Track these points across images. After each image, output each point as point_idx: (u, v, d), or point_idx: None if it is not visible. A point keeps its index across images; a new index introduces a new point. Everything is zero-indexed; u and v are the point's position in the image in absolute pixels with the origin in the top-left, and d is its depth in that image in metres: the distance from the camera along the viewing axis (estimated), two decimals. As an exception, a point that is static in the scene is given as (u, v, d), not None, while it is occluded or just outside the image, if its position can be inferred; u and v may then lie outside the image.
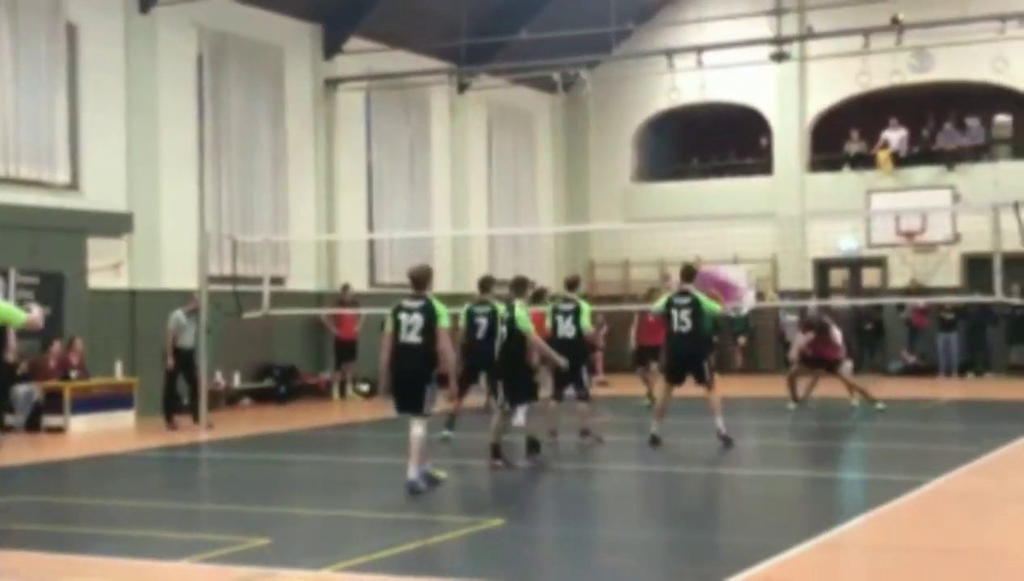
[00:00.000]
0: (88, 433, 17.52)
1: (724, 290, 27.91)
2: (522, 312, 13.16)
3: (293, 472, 13.91)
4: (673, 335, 14.74)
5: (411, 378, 11.36)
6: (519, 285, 14.07)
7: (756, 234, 25.20)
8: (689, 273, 15.15)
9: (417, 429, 11.34)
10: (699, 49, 24.20)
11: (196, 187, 21.78)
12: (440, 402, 11.93)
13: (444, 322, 11.40)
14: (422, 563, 8.76)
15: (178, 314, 18.30)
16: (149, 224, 20.61)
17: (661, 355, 17.30)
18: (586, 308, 15.03)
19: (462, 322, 14.23)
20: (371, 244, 25.12)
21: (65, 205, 19.34)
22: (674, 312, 14.66)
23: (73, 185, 19.65)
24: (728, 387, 20.72)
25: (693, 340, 14.63)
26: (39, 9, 18.93)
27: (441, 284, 26.06)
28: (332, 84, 24.57)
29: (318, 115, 24.41)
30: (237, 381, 21.97)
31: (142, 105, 20.66)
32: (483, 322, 13.85)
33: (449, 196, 27.69)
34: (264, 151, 22.85)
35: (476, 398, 16.15)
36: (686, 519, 10.74)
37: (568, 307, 14.92)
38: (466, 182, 28.15)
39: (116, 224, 20.11)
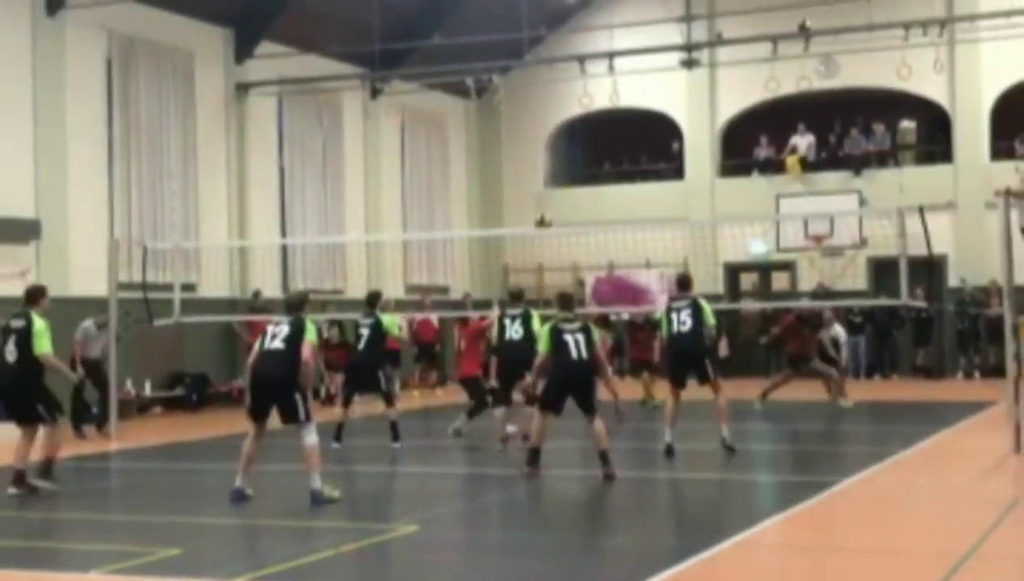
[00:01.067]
0: (-6, 443, 17.14)
1: (637, 295, 28.24)
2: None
3: (204, 481, 13.77)
4: (673, 335, 14.54)
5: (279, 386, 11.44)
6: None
7: (668, 238, 25.40)
8: (685, 281, 15.46)
9: (311, 437, 11.35)
10: (611, 55, 24.40)
11: (106, 192, 21.48)
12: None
13: (311, 335, 11.56)
14: (335, 571, 8.73)
15: (87, 325, 18.00)
16: (57, 230, 20.28)
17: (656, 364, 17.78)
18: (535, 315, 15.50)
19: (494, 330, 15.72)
20: (284, 250, 24.94)
21: (-31, 211, 18.96)
22: (673, 315, 14.55)
23: (-23, 191, 19.27)
24: (643, 389, 20.94)
25: (693, 338, 14.44)
26: (-59, 11, 18.57)
27: (356, 289, 26.05)
28: (243, 88, 24.36)
29: (230, 120, 24.20)
30: (148, 389, 21.69)
31: (49, 109, 20.32)
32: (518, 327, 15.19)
33: (363, 201, 27.60)
34: (175, 156, 22.59)
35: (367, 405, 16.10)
36: (607, 523, 10.82)
37: (515, 312, 15.48)
38: (380, 187, 28.08)
39: (23, 230, 19.75)
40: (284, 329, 11.53)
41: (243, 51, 24.29)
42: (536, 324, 15.00)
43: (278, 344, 11.44)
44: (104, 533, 10.60)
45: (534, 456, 12.82)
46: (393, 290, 26.37)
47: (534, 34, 25.53)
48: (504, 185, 31.61)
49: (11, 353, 12.36)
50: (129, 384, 20.87)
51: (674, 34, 26.26)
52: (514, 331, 15.25)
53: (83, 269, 20.44)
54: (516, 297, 16.10)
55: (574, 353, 12.66)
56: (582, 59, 24.70)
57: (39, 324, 12.37)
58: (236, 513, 11.19)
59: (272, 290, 24.10)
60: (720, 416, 14.40)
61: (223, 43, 24.12)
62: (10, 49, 19.83)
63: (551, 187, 31.60)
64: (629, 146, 31.43)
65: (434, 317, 25.46)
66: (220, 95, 24.03)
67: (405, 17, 26.27)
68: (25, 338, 12.31)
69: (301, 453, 11.37)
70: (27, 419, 12.55)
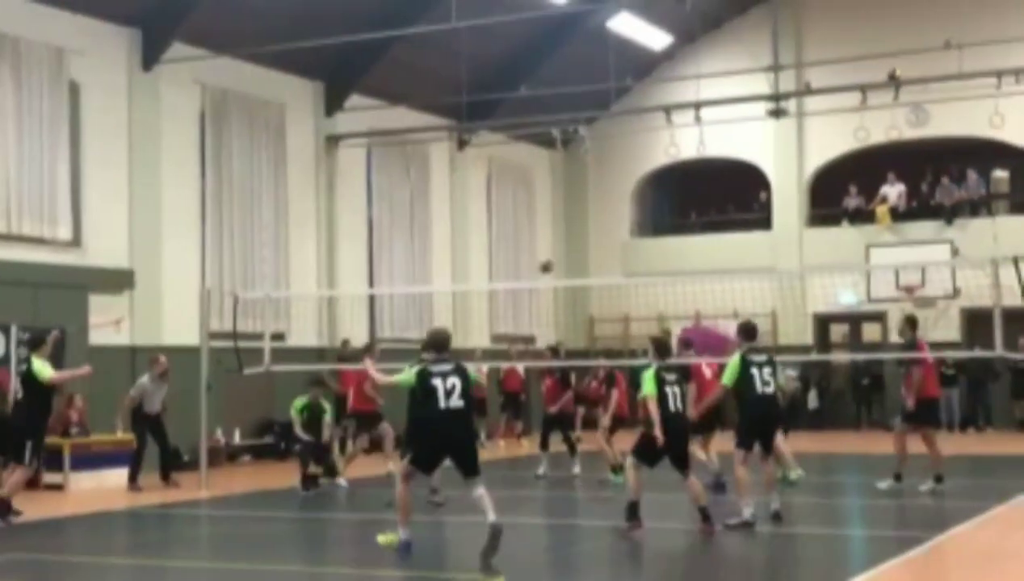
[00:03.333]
0: (88, 490, 17.45)
1: (725, 345, 27.95)
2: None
3: (290, 529, 13.85)
4: (758, 396, 12.87)
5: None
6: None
7: (756, 288, 25.22)
8: (753, 330, 13.43)
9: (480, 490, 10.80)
10: (697, 105, 24.37)
11: (198, 243, 21.87)
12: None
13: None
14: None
15: (143, 381, 18.19)
16: (150, 280, 20.68)
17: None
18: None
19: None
20: (372, 299, 25.17)
21: (67, 262, 19.42)
22: (755, 371, 12.89)
23: (75, 242, 19.73)
24: (728, 443, 20.67)
25: (775, 401, 13.10)
26: (42, 68, 19.10)
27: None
28: (333, 141, 24.74)
29: (319, 171, 24.56)
30: (237, 437, 21.92)
31: (145, 162, 20.79)
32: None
33: (449, 251, 27.80)
34: (266, 207, 22.96)
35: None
36: (691, 577, 10.67)
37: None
38: (466, 237, 28.27)
39: (118, 280, 20.18)
40: (457, 382, 10.84)
41: (333, 104, 24.68)
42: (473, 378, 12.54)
43: (456, 402, 10.82)
44: (186, 580, 10.69)
45: (633, 510, 12.28)
46: (479, 339, 26.48)
47: (620, 85, 25.61)
48: (590, 235, 31.64)
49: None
50: (219, 432, 21.11)
51: (761, 84, 26.15)
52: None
53: (175, 318, 20.80)
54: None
55: (672, 405, 12.10)
56: (668, 109, 24.69)
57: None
58: (315, 561, 11.23)
59: (360, 339, 24.28)
60: (770, 485, 13.20)
61: (313, 96, 24.53)
62: (107, 104, 20.34)
63: (637, 237, 31.57)
64: (716, 196, 31.31)
65: (520, 367, 25.42)
66: (310, 147, 24.41)
67: (492, 69, 26.52)
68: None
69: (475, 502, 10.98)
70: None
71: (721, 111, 25.42)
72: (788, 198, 29.56)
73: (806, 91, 26.69)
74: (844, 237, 28.54)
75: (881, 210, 28.51)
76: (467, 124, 26.33)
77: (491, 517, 10.39)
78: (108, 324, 19.81)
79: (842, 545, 12.56)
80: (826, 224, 29.51)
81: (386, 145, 25.90)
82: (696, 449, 15.58)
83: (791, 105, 26.74)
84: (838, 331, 29.50)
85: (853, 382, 28.02)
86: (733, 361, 13.03)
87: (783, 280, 26.76)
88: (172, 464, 18.18)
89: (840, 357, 27.54)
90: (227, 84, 22.30)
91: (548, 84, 25.26)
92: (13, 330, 18.19)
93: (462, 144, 27.50)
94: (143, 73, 20.80)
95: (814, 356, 26.54)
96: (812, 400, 28.00)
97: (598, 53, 25.32)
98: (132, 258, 20.51)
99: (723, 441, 14.43)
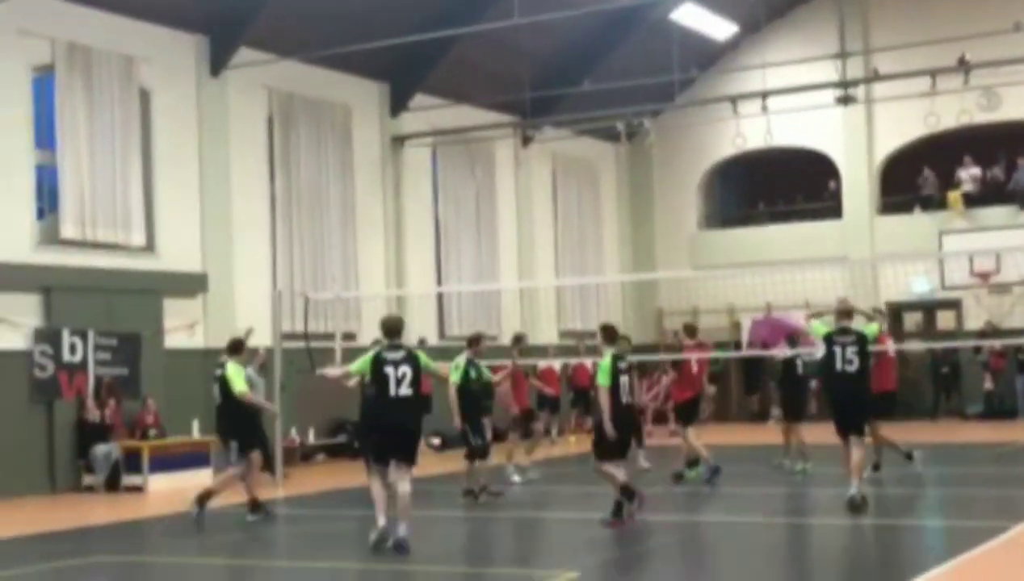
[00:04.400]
0: (166, 491, 17.72)
1: (796, 336, 27.70)
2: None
3: (365, 528, 13.94)
4: (837, 374, 12.95)
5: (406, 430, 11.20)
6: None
7: (827, 278, 24.92)
8: (846, 310, 13.44)
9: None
10: (764, 94, 24.16)
11: (268, 246, 22.10)
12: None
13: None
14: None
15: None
16: (223, 283, 20.93)
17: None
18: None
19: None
20: (440, 297, 25.29)
21: (141, 267, 19.71)
22: (837, 350, 12.94)
23: (149, 247, 20.02)
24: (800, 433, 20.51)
25: (861, 380, 12.98)
26: (112, 76, 19.39)
27: (510, 335, 26.19)
28: (399, 141, 24.87)
29: (386, 172, 24.71)
30: (312, 437, 22.13)
31: (214, 167, 21.04)
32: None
33: (516, 248, 27.84)
34: (334, 209, 23.15)
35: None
36: (765, 570, 10.62)
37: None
38: (532, 233, 28.30)
39: (191, 284, 20.45)
40: (407, 371, 11.22)
41: (398, 104, 24.81)
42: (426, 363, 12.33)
43: (406, 390, 11.29)
44: (267, 579, 10.82)
45: (621, 504, 12.27)
46: (548, 335, 26.50)
47: (685, 76, 25.48)
48: (656, 228, 31.53)
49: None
50: (293, 432, 21.33)
51: (828, 71, 25.87)
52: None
53: (248, 321, 20.93)
54: (392, 332, 11.71)
55: (623, 396, 12.24)
56: (734, 99, 24.51)
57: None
58: (398, 558, 11.31)
59: (430, 337, 24.42)
60: (857, 470, 12.98)
61: (379, 97, 24.67)
62: (177, 110, 20.61)
63: (705, 229, 31.41)
64: (784, 185, 31.05)
65: (589, 362, 25.29)
66: (376, 148, 24.57)
67: (555, 64, 26.50)
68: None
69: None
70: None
71: (788, 100, 25.18)
72: (858, 186, 29.23)
73: (874, 77, 26.36)
74: (916, 224, 28.17)
75: (953, 196, 28.09)
76: (531, 120, 26.34)
77: (402, 531, 10.86)
78: (182, 328, 20.11)
79: (922, 535, 12.42)
80: (897, 211, 29.14)
81: (451, 144, 26.00)
82: (691, 438, 15.80)
83: (859, 92, 26.41)
84: (912, 320, 29.13)
85: (929, 371, 27.63)
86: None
87: (854, 269, 26.42)
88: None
89: (915, 346, 27.18)
90: (293, 87, 22.50)
91: (612, 78, 25.19)
92: (91, 335, 18.54)
93: (526, 141, 27.52)
94: (211, 79, 21.05)
95: (888, 346, 26.17)
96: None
97: (661, 45, 25.21)
98: (205, 262, 20.77)
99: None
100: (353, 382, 12.36)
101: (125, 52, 19.60)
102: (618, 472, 12.39)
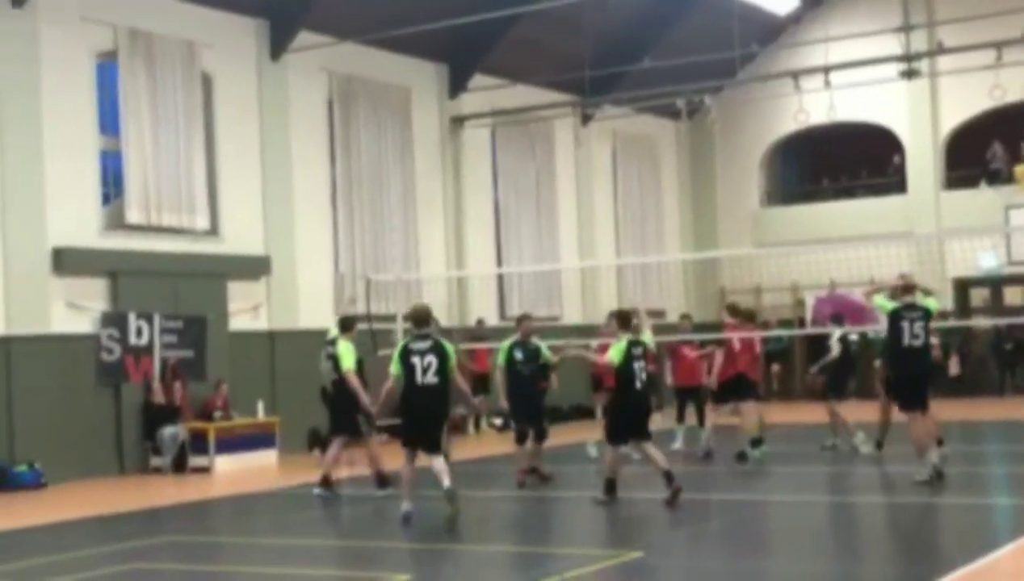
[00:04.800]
0: (232, 472, 17.92)
1: (860, 313, 27.40)
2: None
3: (430, 508, 14.01)
4: (904, 349, 13.02)
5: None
6: (628, 320, 13.24)
7: (892, 254, 24.63)
8: (910, 286, 13.47)
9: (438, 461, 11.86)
10: (826, 69, 23.86)
11: (329, 228, 22.23)
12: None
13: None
14: (562, 597, 8.76)
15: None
16: (285, 266, 21.09)
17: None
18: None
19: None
20: (500, 278, 25.31)
21: (206, 250, 19.91)
22: (905, 325, 12.98)
23: (212, 231, 20.21)
24: (865, 412, 20.31)
25: (927, 355, 13.04)
26: (175, 61, 19.56)
27: (571, 316, 26.18)
28: (458, 122, 24.88)
29: (445, 153, 24.74)
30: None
31: (275, 150, 21.18)
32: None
33: (576, 227, 27.79)
34: (394, 190, 23.23)
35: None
36: (833, 549, 10.54)
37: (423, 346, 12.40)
38: (592, 213, 28.23)
39: (254, 267, 20.62)
40: (433, 360, 11.76)
41: (457, 85, 24.82)
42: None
43: (431, 379, 11.83)
44: (336, 559, 10.92)
45: (611, 486, 12.63)
46: (603, 315, 26.41)
47: (746, 52, 25.20)
48: (718, 206, 31.34)
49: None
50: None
51: (892, 45, 25.49)
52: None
53: (310, 302, 21.19)
54: (419, 321, 12.19)
55: (637, 382, 12.62)
56: (796, 75, 24.25)
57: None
58: (464, 539, 11.37)
59: (491, 318, 24.46)
60: (924, 446, 13.00)
61: (437, 78, 24.69)
62: (238, 94, 20.75)
63: (767, 206, 31.17)
64: (848, 161, 30.73)
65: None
66: (435, 129, 24.60)
67: (614, 42, 26.35)
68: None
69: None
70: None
71: (851, 74, 24.85)
72: (923, 161, 28.84)
73: (939, 50, 25.92)
74: (982, 199, 27.75)
75: (1020, 170, 27.62)
76: (591, 99, 26.22)
77: (445, 483, 11.51)
78: (246, 310, 20.30)
79: (989, 515, 12.26)
80: (963, 186, 28.72)
81: (510, 124, 25.97)
82: (728, 416, 15.89)
83: (923, 65, 26.02)
84: (979, 295, 28.73)
85: (995, 347, 27.25)
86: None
87: (920, 245, 26.06)
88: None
89: (981, 322, 26.81)
90: (353, 70, 22.58)
91: (672, 54, 24.99)
92: (156, 319, 18.76)
93: (586, 119, 27.41)
94: (271, 63, 21.17)
95: (953, 322, 25.85)
96: (954, 367, 27.31)
97: (722, 20, 24.94)
98: (267, 245, 20.94)
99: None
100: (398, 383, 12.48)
101: (186, 37, 19.76)
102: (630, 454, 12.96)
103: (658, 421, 23.87)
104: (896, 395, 13.59)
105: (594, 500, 12.76)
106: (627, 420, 12.61)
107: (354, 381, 14.14)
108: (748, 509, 12.94)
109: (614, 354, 12.56)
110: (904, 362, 13.13)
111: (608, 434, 12.89)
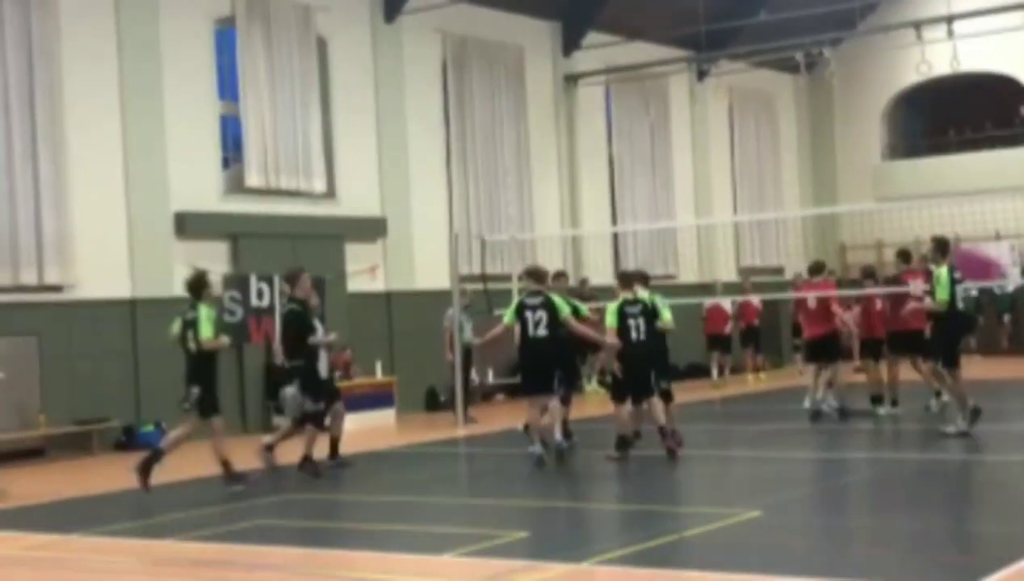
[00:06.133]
0: (351, 431, 18.11)
1: (987, 268, 26.75)
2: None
3: (546, 466, 14.06)
4: (955, 310, 13.64)
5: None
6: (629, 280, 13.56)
7: (1019, 208, 23.95)
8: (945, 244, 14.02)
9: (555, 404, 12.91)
10: (949, 19, 23.17)
11: (444, 189, 22.33)
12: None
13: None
14: (680, 556, 8.72)
15: (451, 312, 18.71)
16: (401, 227, 21.26)
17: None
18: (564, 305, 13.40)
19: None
20: (615, 237, 25.18)
21: (323, 213, 20.15)
22: (957, 289, 13.63)
23: (330, 193, 20.44)
24: (993, 369, 19.83)
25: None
26: (291, 26, 19.77)
27: (687, 275, 25.94)
28: (572, 80, 24.74)
29: (559, 112, 24.64)
30: (491, 377, 22.39)
31: (391, 112, 21.31)
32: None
33: (692, 185, 27.50)
34: (508, 150, 23.22)
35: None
36: (945, 508, 10.32)
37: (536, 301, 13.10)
38: (708, 170, 27.91)
39: (371, 229, 20.82)
40: (544, 315, 12.64)
41: (570, 43, 24.67)
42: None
43: (542, 332, 12.78)
44: (454, 517, 11.02)
45: (623, 443, 12.97)
46: (726, 273, 26.16)
47: (866, 2, 24.62)
48: (838, 160, 30.75)
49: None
50: (473, 372, 21.58)
51: (1018, -9, 24.65)
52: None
53: (426, 263, 21.33)
54: (536, 278, 13.22)
55: (634, 336, 13.01)
56: (918, 25, 23.57)
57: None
58: (580, 497, 11.40)
59: (605, 277, 24.33)
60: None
61: (551, 36, 24.57)
62: (353, 57, 20.91)
63: (888, 160, 30.49)
64: (973, 113, 29.84)
65: (756, 299, 24.36)
66: (549, 88, 24.50)
67: (730, -4, 25.92)
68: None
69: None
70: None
71: (975, 23, 24.12)
72: (1052, 110, 27.90)
73: (1068, -5, 24.97)
74: (1116, 149, 26.75)
75: None
76: (706, 54, 25.86)
77: (557, 436, 12.84)
78: (364, 271, 20.52)
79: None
80: (1095, 136, 27.74)
81: (624, 81, 25.74)
82: (809, 377, 16.12)
83: (1052, 11, 25.09)
84: (1111, 249, 27.76)
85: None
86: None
87: (1049, 198, 25.27)
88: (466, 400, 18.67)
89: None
90: (466, 31, 22.57)
91: (789, 7, 24.48)
92: (276, 281, 19.04)
93: (701, 75, 27.06)
94: (385, 25, 21.27)
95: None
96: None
97: (842, -29, 24.38)
98: (383, 206, 21.11)
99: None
100: (508, 331, 13.20)
101: (302, 2, 19.95)
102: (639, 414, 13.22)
103: (763, 380, 23.62)
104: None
105: (607, 457, 12.99)
106: (626, 378, 13.02)
107: (214, 347, 12.73)
108: (867, 468, 12.75)
109: (608, 317, 13.13)
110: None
111: (612, 392, 13.49)
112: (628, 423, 13.15)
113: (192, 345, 12.63)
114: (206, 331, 12.51)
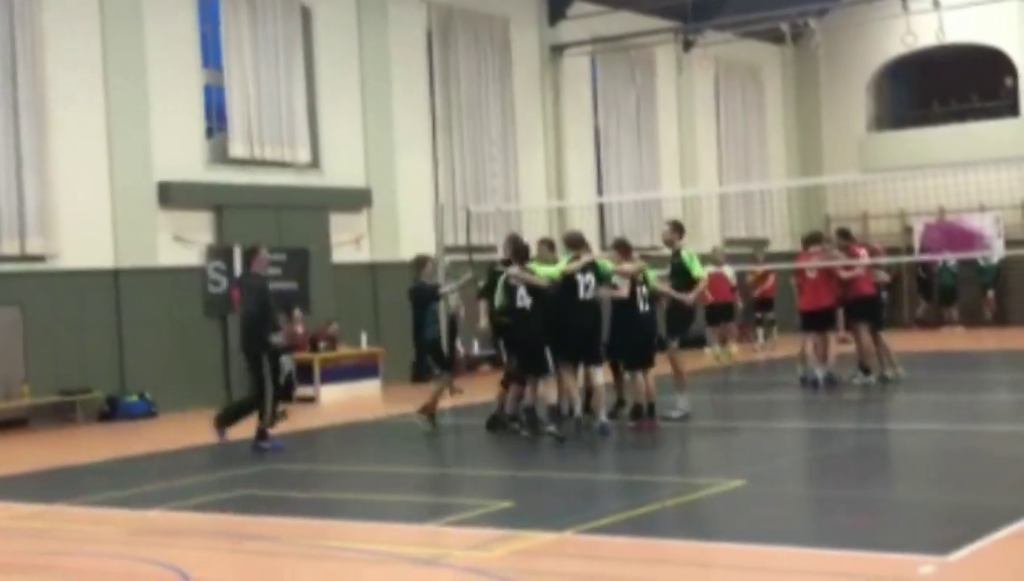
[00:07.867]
0: (337, 402, 18.20)
1: (971, 240, 26.83)
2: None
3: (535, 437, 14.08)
4: None
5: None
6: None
7: (1004, 179, 23.99)
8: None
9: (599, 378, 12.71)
10: (936, -11, 23.14)
11: (429, 160, 22.27)
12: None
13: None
14: (662, 525, 8.76)
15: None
16: (386, 198, 21.20)
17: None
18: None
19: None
20: (601, 207, 25.15)
21: (308, 183, 20.09)
22: None
23: (314, 164, 20.37)
24: (978, 340, 19.92)
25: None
26: (275, -5, 19.63)
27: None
28: (557, 50, 24.66)
29: (544, 82, 24.56)
30: (476, 348, 22.38)
31: (375, 82, 21.21)
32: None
33: (677, 155, 27.48)
34: (493, 121, 23.15)
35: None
36: (927, 478, 10.38)
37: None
38: (694, 140, 27.88)
39: (356, 199, 20.77)
40: (591, 279, 12.71)
41: (556, 13, 24.58)
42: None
43: (590, 294, 12.76)
44: (440, 486, 11.05)
45: (637, 411, 13.07)
46: (711, 243, 26.12)
47: (852, -27, 24.55)
48: (823, 132, 30.74)
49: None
50: (458, 343, 21.57)
51: (1005, -39, 24.66)
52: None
53: (411, 234, 21.27)
54: (577, 245, 13.28)
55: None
56: (904, -5, 23.54)
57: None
58: (565, 467, 11.42)
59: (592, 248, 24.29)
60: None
61: (537, 6, 24.47)
62: (338, 27, 20.76)
63: (874, 131, 30.49)
64: (958, 84, 29.85)
65: (729, 271, 23.73)
66: (535, 58, 24.42)
67: (716, -34, 25.84)
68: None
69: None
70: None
71: (961, -7, 24.10)
72: (1037, 82, 27.92)
73: (1055, -34, 25.00)
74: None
75: None
76: (692, 24, 25.78)
77: (600, 418, 12.54)
78: (348, 242, 20.48)
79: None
80: (1080, 108, 27.77)
81: (611, 51, 25.66)
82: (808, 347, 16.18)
83: (1038, -17, 25.12)
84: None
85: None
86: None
87: (1033, 169, 25.33)
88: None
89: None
90: (452, 1, 22.45)
91: (775, -23, 24.42)
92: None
93: (688, 45, 26.99)
94: (370, -6, 21.15)
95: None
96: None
97: (827, -59, 24.32)
98: (368, 177, 21.05)
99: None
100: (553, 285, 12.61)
101: (285, -30, 19.79)
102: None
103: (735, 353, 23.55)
104: None
105: (630, 427, 13.13)
106: (568, 344, 12.70)
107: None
108: (853, 437, 12.81)
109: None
110: None
111: (627, 363, 13.36)
112: (642, 392, 13.01)
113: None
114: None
